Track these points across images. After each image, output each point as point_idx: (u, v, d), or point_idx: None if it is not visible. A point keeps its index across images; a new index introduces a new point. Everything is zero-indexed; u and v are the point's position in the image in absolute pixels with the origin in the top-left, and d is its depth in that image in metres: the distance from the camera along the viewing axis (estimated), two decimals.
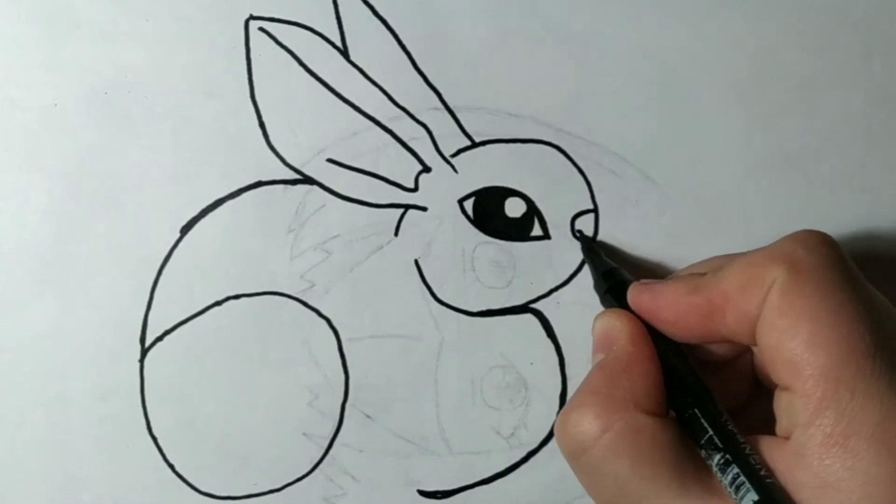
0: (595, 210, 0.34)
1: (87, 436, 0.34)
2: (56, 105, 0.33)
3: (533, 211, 0.34)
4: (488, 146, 0.34)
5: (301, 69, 0.34)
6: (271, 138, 0.34)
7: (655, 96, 0.34)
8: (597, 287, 0.33)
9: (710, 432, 0.27)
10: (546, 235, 0.34)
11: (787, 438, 0.26)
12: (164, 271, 0.34)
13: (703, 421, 0.27)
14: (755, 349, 0.29)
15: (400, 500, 0.34)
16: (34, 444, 0.34)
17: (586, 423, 0.28)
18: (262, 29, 0.34)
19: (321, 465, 0.34)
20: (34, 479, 0.34)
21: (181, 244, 0.34)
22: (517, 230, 0.34)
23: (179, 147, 0.34)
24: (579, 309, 0.34)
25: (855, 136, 0.35)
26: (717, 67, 0.34)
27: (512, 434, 0.34)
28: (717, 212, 0.34)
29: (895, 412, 0.24)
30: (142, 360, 0.34)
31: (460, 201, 0.34)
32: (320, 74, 0.34)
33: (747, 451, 0.26)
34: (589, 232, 0.34)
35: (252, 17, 0.34)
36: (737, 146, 0.34)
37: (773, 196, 0.35)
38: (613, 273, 0.32)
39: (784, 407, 0.27)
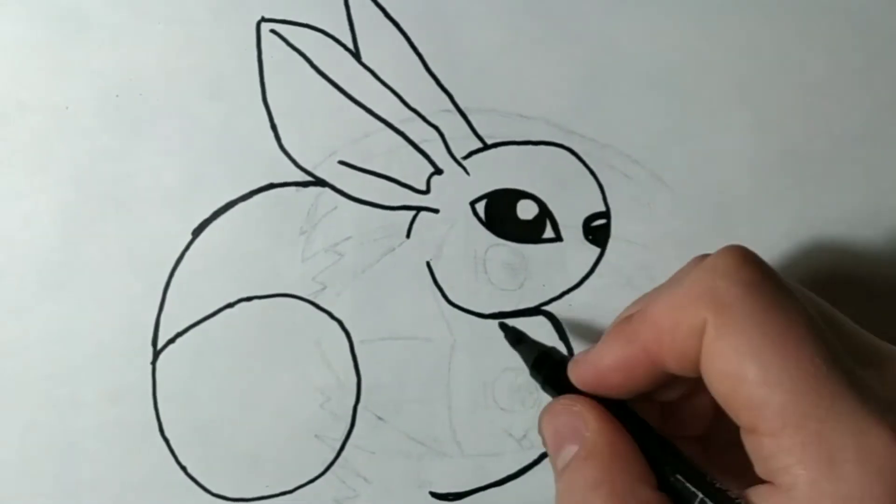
0: (607, 212, 0.34)
1: (98, 438, 0.34)
2: (67, 108, 0.33)
3: (545, 213, 0.34)
4: (500, 148, 0.34)
5: (313, 71, 0.34)
6: (283, 140, 0.34)
7: (666, 98, 0.34)
8: (533, 375, 0.31)
9: (700, 495, 0.26)
10: (558, 237, 0.34)
11: (772, 483, 0.25)
12: (176, 273, 0.34)
13: (689, 485, 0.26)
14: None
15: (412, 501, 0.34)
16: (46, 446, 0.34)
17: None
18: (273, 31, 0.34)
19: (333, 467, 0.34)
20: (46, 481, 0.34)
21: (193, 246, 0.34)
22: (529, 232, 0.34)
23: (191, 149, 0.34)
24: (591, 311, 0.34)
25: (864, 137, 0.35)
26: (727, 69, 0.34)
27: (524, 436, 0.34)
28: (729, 213, 0.34)
29: (868, 423, 0.24)
30: (154, 363, 0.34)
31: (472, 203, 0.34)
32: (332, 76, 0.34)
33: None
34: (603, 234, 0.34)
35: (264, 20, 0.34)
36: (747, 148, 0.35)
37: (784, 197, 0.35)
38: (547, 357, 0.30)
39: (756, 449, 0.25)
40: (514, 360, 0.34)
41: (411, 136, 0.34)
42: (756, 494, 0.25)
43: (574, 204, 0.34)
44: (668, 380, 0.28)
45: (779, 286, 0.26)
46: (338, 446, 0.34)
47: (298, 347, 0.34)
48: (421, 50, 0.34)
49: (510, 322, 0.33)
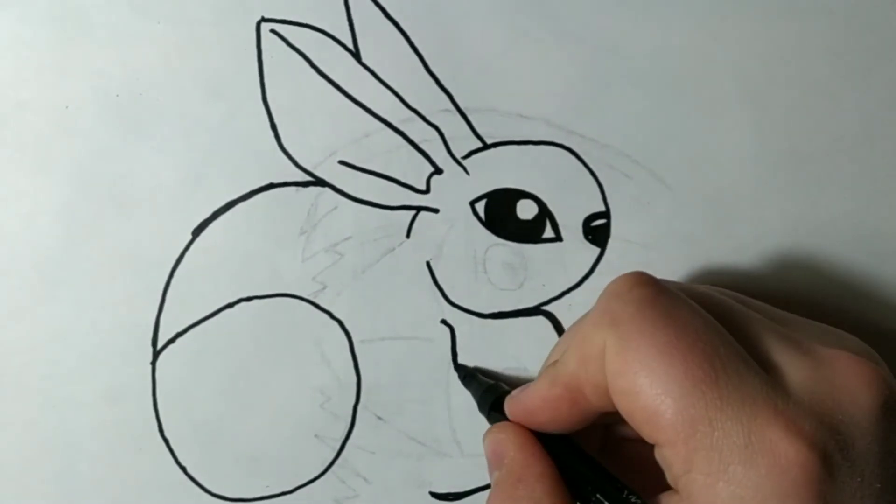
0: (607, 212, 0.34)
1: (98, 438, 0.34)
2: (68, 107, 0.33)
3: (545, 213, 0.34)
4: (500, 148, 0.34)
5: (313, 71, 0.34)
6: (283, 140, 0.34)
7: (666, 98, 0.34)
8: (481, 409, 0.32)
9: None
10: (558, 237, 0.34)
11: (676, 492, 0.25)
12: (176, 274, 0.34)
13: (605, 501, 0.27)
14: None
15: (412, 501, 0.34)
16: (45, 446, 0.34)
17: None
18: (273, 31, 0.34)
19: (333, 467, 0.34)
20: (45, 481, 0.34)
21: (193, 246, 0.34)
22: (529, 232, 0.34)
23: (191, 149, 0.34)
24: None
25: (865, 137, 0.35)
26: (727, 69, 0.34)
27: None
28: (729, 213, 0.34)
29: (759, 423, 0.24)
30: (153, 363, 0.34)
31: (472, 203, 0.34)
32: (332, 76, 0.34)
33: None
34: (602, 234, 0.34)
35: (264, 20, 0.34)
36: (748, 148, 0.35)
37: (784, 197, 0.35)
38: (493, 390, 0.32)
39: (661, 459, 0.26)
40: (514, 360, 0.34)
41: (411, 136, 0.34)
42: (665, 502, 0.26)
43: (574, 204, 0.34)
44: (596, 418, 0.29)
45: (672, 301, 0.27)
46: (338, 446, 0.34)
47: (298, 347, 0.34)
48: (421, 50, 0.34)
49: (463, 362, 0.34)
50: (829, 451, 0.24)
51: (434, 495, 0.34)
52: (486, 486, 0.34)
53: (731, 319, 0.27)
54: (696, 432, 0.24)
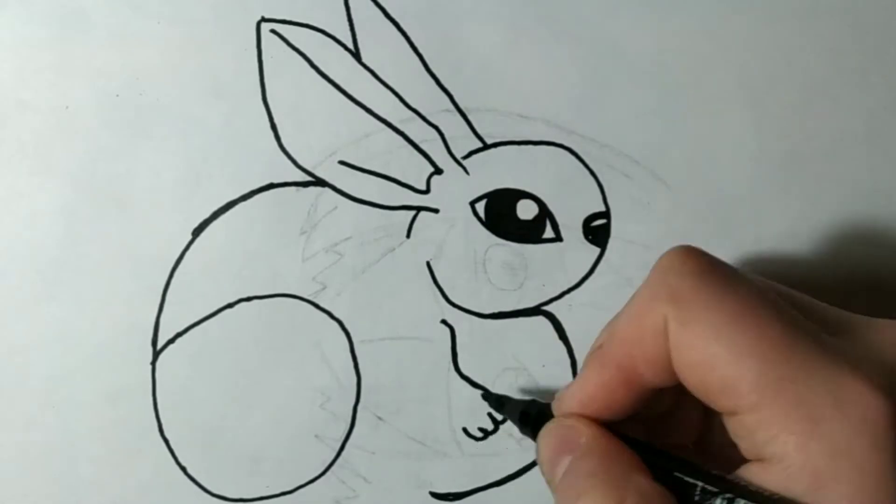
0: (607, 212, 0.34)
1: (98, 438, 0.34)
2: (67, 107, 0.33)
3: (545, 213, 0.34)
4: (500, 148, 0.34)
5: (313, 71, 0.34)
6: (283, 140, 0.34)
7: (666, 98, 0.34)
8: (523, 430, 0.31)
9: (701, 484, 0.26)
10: (558, 237, 0.34)
11: (762, 460, 0.25)
12: (176, 274, 0.34)
13: (687, 478, 0.26)
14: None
15: (412, 501, 0.34)
16: (45, 446, 0.34)
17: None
18: (273, 31, 0.34)
19: (333, 467, 0.34)
20: (45, 481, 0.34)
21: (193, 246, 0.34)
22: (529, 232, 0.34)
23: (191, 149, 0.34)
24: (592, 311, 0.34)
25: (865, 137, 0.35)
26: (727, 69, 0.34)
27: (523, 436, 0.34)
28: (729, 213, 0.34)
29: (843, 377, 0.24)
30: (153, 363, 0.34)
31: (472, 203, 0.34)
32: (332, 76, 0.34)
33: (743, 484, 0.25)
34: (602, 235, 0.34)
35: (264, 20, 0.34)
36: (747, 147, 0.35)
37: (784, 197, 0.35)
38: (533, 405, 0.31)
39: (741, 430, 0.25)
40: (514, 361, 0.34)
41: (411, 136, 0.34)
42: (750, 473, 0.25)
43: (574, 204, 0.34)
44: (652, 396, 0.28)
45: (730, 272, 0.26)
46: (338, 446, 0.34)
47: (298, 348, 0.34)
48: (421, 50, 0.34)
49: (493, 390, 0.34)
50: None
51: (434, 495, 0.34)
52: (487, 486, 0.34)
53: (785, 296, 0.27)
54: (782, 391, 0.24)
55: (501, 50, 0.34)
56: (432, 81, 0.34)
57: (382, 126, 0.34)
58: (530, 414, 0.30)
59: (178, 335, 0.34)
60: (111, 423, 0.34)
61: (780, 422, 0.24)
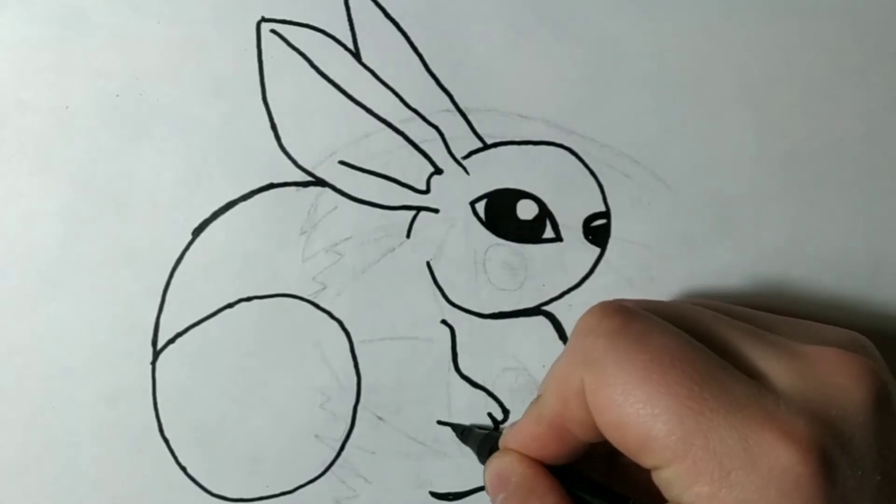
0: (607, 212, 0.34)
1: (98, 438, 0.34)
2: (67, 107, 0.33)
3: (545, 213, 0.34)
4: (500, 148, 0.34)
5: (313, 71, 0.34)
6: (283, 140, 0.34)
7: (666, 98, 0.34)
8: (481, 458, 0.32)
9: None
10: (558, 237, 0.34)
11: None
12: (176, 274, 0.34)
13: None
14: None
15: (412, 501, 0.34)
16: (45, 446, 0.34)
17: None
18: (273, 31, 0.34)
19: (333, 467, 0.34)
20: (45, 481, 0.34)
21: (193, 246, 0.34)
22: (529, 232, 0.34)
23: (191, 149, 0.34)
24: None
25: (865, 137, 0.35)
26: (728, 69, 0.34)
27: None
28: (729, 213, 0.34)
29: (752, 427, 0.24)
30: (154, 363, 0.34)
31: (472, 203, 0.34)
32: (332, 76, 0.34)
33: None
34: (603, 235, 0.34)
35: (264, 20, 0.34)
36: (747, 148, 0.35)
37: (784, 198, 0.35)
38: (490, 437, 0.32)
39: (663, 484, 0.26)
40: (514, 361, 0.34)
41: (411, 136, 0.34)
42: None
43: (574, 204, 0.34)
44: (586, 449, 0.29)
45: (643, 325, 0.27)
46: (338, 446, 0.34)
47: (298, 347, 0.34)
48: (421, 50, 0.34)
49: (456, 423, 0.34)
50: (826, 447, 0.24)
51: (434, 495, 0.34)
52: None
53: (710, 332, 0.28)
54: (692, 446, 0.25)
55: (501, 50, 0.34)
56: (432, 81, 0.34)
57: (382, 126, 0.34)
58: (485, 447, 0.32)
59: (178, 335, 0.34)
60: (111, 422, 0.34)
61: (693, 475, 0.25)
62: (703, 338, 0.27)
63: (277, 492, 0.34)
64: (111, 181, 0.33)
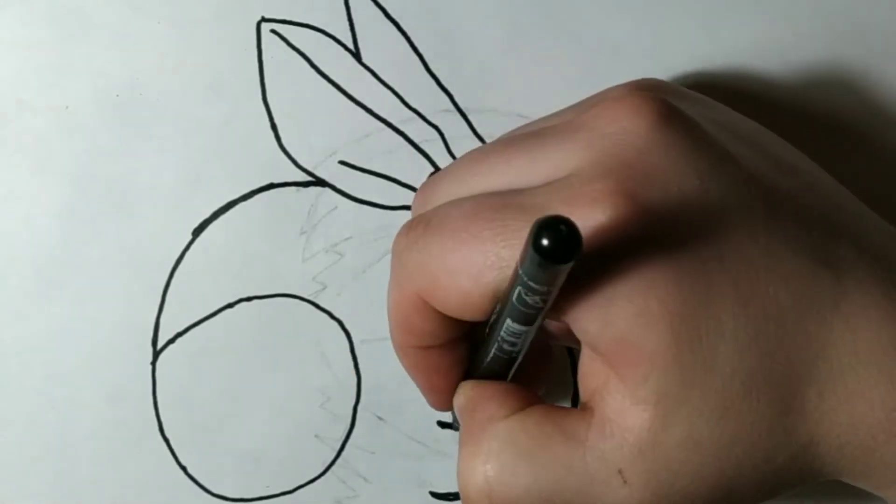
0: None
1: (98, 438, 0.34)
2: (67, 107, 0.33)
3: None
4: None
5: (313, 71, 0.34)
6: (283, 140, 0.34)
7: None
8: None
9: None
10: None
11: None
12: (176, 274, 0.34)
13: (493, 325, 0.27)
14: None
15: (412, 501, 0.34)
16: (45, 447, 0.34)
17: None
18: (274, 31, 0.34)
19: (333, 467, 0.34)
20: (45, 482, 0.34)
21: (193, 246, 0.34)
22: None
23: (191, 149, 0.34)
24: None
25: (865, 137, 0.35)
26: (727, 70, 0.35)
27: None
28: None
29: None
30: (154, 363, 0.34)
31: None
32: (332, 76, 0.34)
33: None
34: None
35: (264, 20, 0.34)
36: None
37: None
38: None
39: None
40: None
41: (411, 136, 0.34)
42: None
43: None
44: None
45: (437, 211, 0.27)
46: (338, 446, 0.34)
47: (298, 347, 0.34)
48: (421, 50, 0.34)
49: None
50: (628, 189, 0.24)
51: (434, 495, 0.34)
52: None
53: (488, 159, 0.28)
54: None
55: (502, 50, 0.34)
56: (433, 81, 0.34)
57: (383, 126, 0.34)
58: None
59: (178, 335, 0.34)
60: (111, 422, 0.34)
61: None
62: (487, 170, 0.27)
63: (277, 492, 0.34)
64: (111, 181, 0.33)
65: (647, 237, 0.24)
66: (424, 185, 0.30)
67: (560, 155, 0.26)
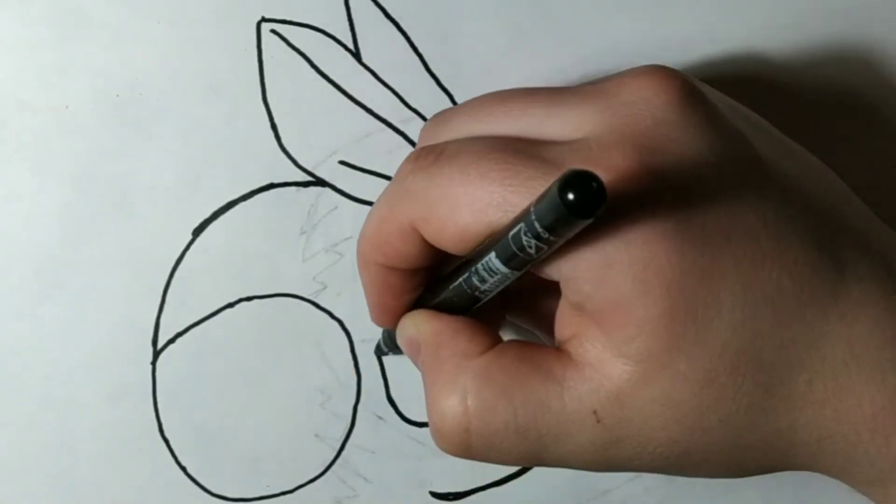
0: None
1: (98, 438, 0.34)
2: (67, 107, 0.33)
3: None
4: None
5: (313, 71, 0.34)
6: (283, 140, 0.34)
7: None
8: (387, 347, 0.33)
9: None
10: None
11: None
12: (176, 274, 0.34)
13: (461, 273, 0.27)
14: None
15: (412, 501, 0.34)
16: (45, 446, 0.34)
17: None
18: (274, 31, 0.34)
19: (333, 467, 0.34)
20: (45, 482, 0.34)
21: (193, 246, 0.34)
22: None
23: (191, 149, 0.34)
24: None
25: (866, 137, 0.35)
26: (727, 70, 0.35)
27: None
28: None
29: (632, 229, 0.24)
30: (154, 363, 0.34)
31: None
32: (332, 76, 0.34)
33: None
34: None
35: (264, 20, 0.34)
36: None
37: None
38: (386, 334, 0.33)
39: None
40: None
41: (412, 136, 0.34)
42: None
43: None
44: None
45: (442, 154, 0.27)
46: (338, 446, 0.34)
47: (299, 347, 0.34)
48: (421, 50, 0.34)
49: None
50: (643, 161, 0.24)
51: (434, 495, 0.34)
52: (487, 486, 0.34)
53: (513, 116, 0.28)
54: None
55: (502, 50, 0.34)
56: (433, 81, 0.34)
57: (383, 126, 0.34)
58: (384, 341, 0.33)
59: (178, 335, 0.34)
60: (111, 422, 0.34)
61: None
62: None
63: (277, 491, 0.34)
64: (111, 181, 0.33)
65: (655, 207, 0.24)
66: (436, 116, 0.30)
67: (579, 114, 0.26)
